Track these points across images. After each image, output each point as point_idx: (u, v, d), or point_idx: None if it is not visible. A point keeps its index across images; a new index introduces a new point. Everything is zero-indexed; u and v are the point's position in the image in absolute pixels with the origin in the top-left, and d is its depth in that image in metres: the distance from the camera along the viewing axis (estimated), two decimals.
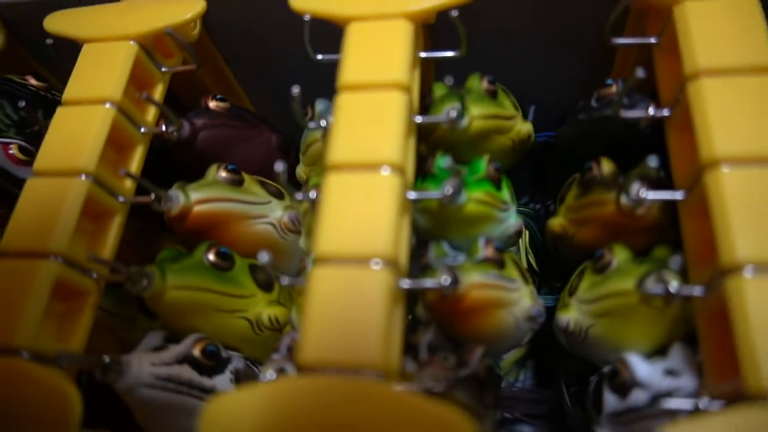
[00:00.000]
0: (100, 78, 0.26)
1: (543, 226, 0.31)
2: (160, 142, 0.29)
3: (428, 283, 0.21)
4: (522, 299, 0.24)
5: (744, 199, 0.18)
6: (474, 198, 0.25)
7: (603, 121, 0.26)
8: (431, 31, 0.28)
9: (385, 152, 0.21)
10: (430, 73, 0.31)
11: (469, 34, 0.24)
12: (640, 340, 0.23)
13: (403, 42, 0.23)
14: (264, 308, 0.27)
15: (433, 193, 0.24)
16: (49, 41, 0.28)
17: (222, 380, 0.25)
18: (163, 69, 0.29)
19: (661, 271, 0.20)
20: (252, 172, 0.30)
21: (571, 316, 0.25)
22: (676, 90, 0.22)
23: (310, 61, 0.26)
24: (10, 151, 0.30)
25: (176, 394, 0.23)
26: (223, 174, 0.28)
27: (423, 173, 0.27)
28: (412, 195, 0.22)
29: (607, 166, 0.25)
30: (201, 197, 0.27)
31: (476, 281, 0.22)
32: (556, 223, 0.28)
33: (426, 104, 0.27)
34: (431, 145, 0.27)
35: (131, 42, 0.27)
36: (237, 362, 0.25)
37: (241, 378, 0.25)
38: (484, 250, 0.24)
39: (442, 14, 0.25)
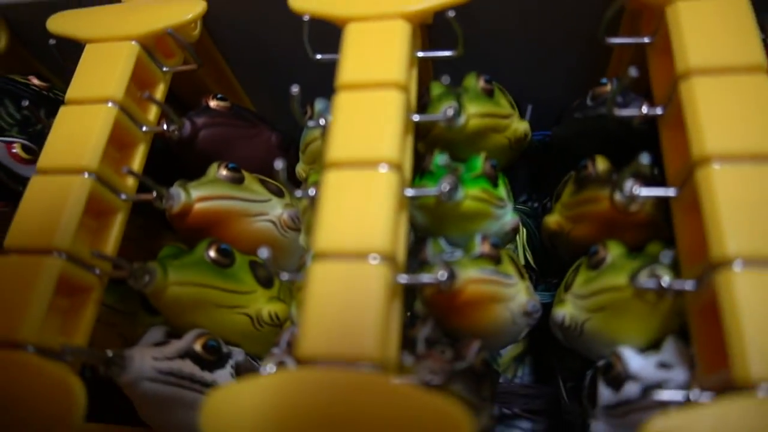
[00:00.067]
0: (102, 78, 0.26)
1: (540, 224, 0.31)
2: (162, 141, 0.30)
3: (425, 278, 0.22)
4: (518, 295, 0.25)
5: (734, 195, 0.19)
6: (471, 195, 0.25)
7: (597, 120, 0.26)
8: (429, 31, 0.29)
9: (383, 150, 0.21)
10: (427, 72, 0.31)
11: (466, 34, 0.25)
12: (634, 334, 0.23)
13: (401, 42, 0.24)
14: (264, 304, 0.27)
15: (431, 189, 0.24)
16: (52, 42, 0.28)
17: (223, 375, 0.25)
18: (165, 69, 0.29)
19: (654, 266, 0.21)
20: (252, 171, 0.30)
21: (566, 311, 0.25)
22: (669, 89, 0.22)
23: (310, 61, 0.26)
24: (13, 150, 0.30)
25: (178, 388, 0.23)
26: (224, 172, 0.29)
27: (421, 171, 0.27)
28: (409, 192, 0.22)
29: (601, 164, 0.25)
30: (202, 195, 0.27)
31: (473, 276, 0.22)
32: (552, 220, 0.28)
33: (424, 103, 0.28)
34: (429, 143, 0.28)
35: (133, 42, 0.27)
36: (237, 357, 0.26)
37: (241, 372, 0.25)
38: (480, 247, 0.24)
39: (439, 14, 0.25)
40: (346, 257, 0.19)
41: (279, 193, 0.30)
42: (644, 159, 0.19)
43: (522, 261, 0.34)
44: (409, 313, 0.25)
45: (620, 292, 0.22)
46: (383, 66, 0.23)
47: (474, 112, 0.27)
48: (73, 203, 0.23)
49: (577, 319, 0.25)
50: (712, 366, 0.18)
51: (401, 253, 0.21)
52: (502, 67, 0.33)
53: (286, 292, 0.29)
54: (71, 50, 0.28)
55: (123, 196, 0.26)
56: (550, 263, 0.33)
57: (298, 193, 0.24)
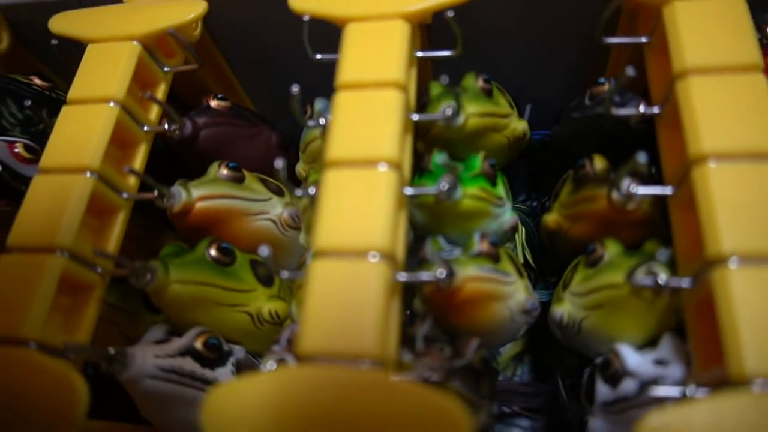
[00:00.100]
0: (104, 77, 0.26)
1: (539, 223, 0.31)
2: (163, 140, 0.30)
3: (424, 276, 0.22)
4: (517, 293, 0.25)
5: (730, 193, 0.19)
6: (469, 194, 0.25)
7: (595, 119, 0.26)
8: (428, 31, 0.29)
9: (382, 149, 0.21)
10: (426, 72, 0.31)
11: (466, 34, 0.25)
12: (631, 332, 0.23)
13: (400, 42, 0.24)
14: (264, 302, 0.27)
15: (430, 188, 0.24)
16: (54, 42, 0.28)
17: (224, 372, 0.25)
18: (166, 69, 0.29)
19: (651, 263, 0.21)
20: (252, 170, 0.31)
21: (564, 309, 0.25)
22: (666, 88, 0.22)
23: (309, 61, 0.26)
24: (16, 150, 0.30)
25: (179, 385, 0.24)
26: (225, 171, 0.29)
27: (420, 170, 0.27)
28: (408, 190, 0.22)
29: (599, 163, 0.26)
30: (203, 194, 0.27)
31: (471, 274, 0.23)
32: (551, 218, 0.29)
33: (423, 102, 0.28)
34: (428, 142, 0.28)
35: (134, 42, 0.27)
36: (238, 354, 0.26)
37: (242, 369, 0.26)
38: (479, 245, 0.25)
39: (438, 14, 0.25)
40: (346, 255, 0.20)
41: (279, 192, 0.31)
42: (641, 158, 0.20)
43: (521, 260, 0.34)
44: (408, 311, 0.26)
45: (617, 290, 0.22)
46: (383, 66, 0.23)
47: (473, 112, 0.27)
48: (75, 202, 0.23)
49: (575, 317, 0.25)
50: (708, 362, 0.18)
51: (400, 251, 0.21)
52: (502, 67, 0.33)
53: (287, 290, 0.30)
54: (73, 50, 0.28)
55: (124, 195, 0.26)
56: (549, 262, 0.33)
57: (298, 192, 0.24)
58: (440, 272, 0.22)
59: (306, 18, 0.26)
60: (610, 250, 0.24)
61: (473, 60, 0.28)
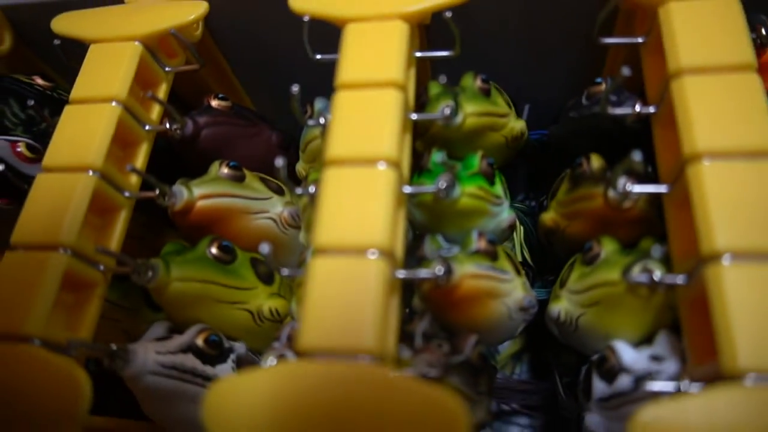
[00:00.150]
0: (106, 77, 0.27)
1: (537, 222, 0.31)
2: (164, 140, 0.30)
3: (423, 273, 0.22)
4: (514, 290, 0.25)
5: (724, 191, 0.19)
6: (467, 192, 0.26)
7: (592, 118, 0.27)
8: (427, 31, 0.29)
9: (381, 148, 0.22)
10: (425, 72, 0.32)
11: (464, 34, 0.25)
12: (627, 329, 0.24)
13: (399, 42, 0.24)
14: (265, 300, 0.28)
15: (428, 187, 0.24)
16: (56, 42, 0.29)
17: (224, 369, 0.25)
18: (167, 69, 0.30)
19: (646, 260, 0.21)
20: (253, 169, 0.31)
21: (561, 306, 0.25)
22: (662, 88, 0.23)
23: (309, 61, 0.26)
24: (18, 149, 0.31)
25: (180, 381, 0.24)
26: (225, 170, 0.29)
27: (419, 169, 0.27)
28: (407, 189, 0.23)
29: (596, 162, 0.26)
30: (204, 193, 0.27)
31: (469, 272, 0.23)
32: (548, 217, 0.29)
33: (422, 102, 0.28)
34: (427, 141, 0.28)
35: (136, 42, 0.28)
36: (239, 350, 0.26)
37: (242, 365, 0.26)
38: (477, 243, 0.25)
39: (436, 15, 0.25)
40: (346, 252, 0.20)
41: (279, 191, 0.31)
42: (636, 156, 0.20)
43: (519, 258, 0.34)
44: (407, 309, 0.26)
45: (614, 287, 0.22)
46: (382, 66, 0.23)
47: (471, 111, 0.27)
48: (77, 200, 0.24)
49: (572, 314, 0.25)
50: (702, 357, 0.19)
51: (399, 249, 0.21)
52: (500, 67, 0.33)
53: (287, 288, 0.30)
54: (75, 50, 0.29)
55: (126, 194, 0.26)
56: (547, 261, 0.34)
57: (299, 190, 0.24)
58: (438, 269, 0.22)
59: (306, 18, 0.26)
60: (607, 247, 0.24)
61: (471, 60, 0.28)
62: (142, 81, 0.28)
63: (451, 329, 0.25)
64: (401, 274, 0.21)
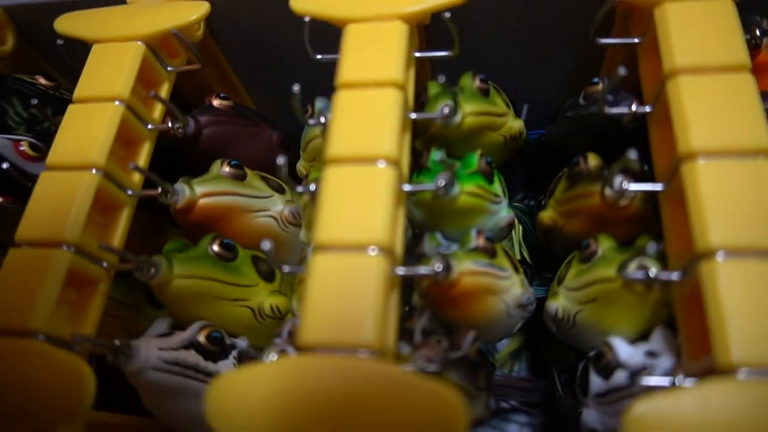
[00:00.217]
0: (109, 77, 0.27)
1: (536, 221, 0.32)
2: (167, 139, 0.30)
3: (422, 269, 0.22)
4: (513, 287, 0.25)
5: (718, 189, 0.19)
6: (466, 190, 0.26)
7: (589, 118, 0.27)
8: (426, 31, 0.29)
9: (381, 146, 0.22)
10: (424, 72, 0.32)
11: (463, 34, 0.25)
12: (624, 325, 0.24)
13: (399, 42, 0.24)
14: (266, 297, 0.28)
15: (427, 185, 0.25)
16: (59, 42, 0.29)
17: (226, 365, 0.26)
18: (169, 68, 0.30)
19: (642, 257, 0.22)
20: (254, 168, 0.31)
21: (559, 303, 0.26)
22: (657, 87, 0.23)
23: (310, 61, 0.27)
24: (21, 148, 0.31)
25: (182, 377, 0.24)
26: (227, 169, 0.29)
27: (418, 168, 0.28)
28: (407, 187, 0.23)
29: (593, 161, 0.26)
30: (206, 191, 0.28)
31: (468, 268, 0.23)
32: (546, 215, 0.29)
33: (421, 102, 0.28)
34: (426, 140, 0.28)
35: (139, 42, 0.28)
36: (240, 345, 0.26)
37: (244, 360, 0.26)
38: (476, 240, 0.25)
39: (436, 15, 0.26)
40: (346, 249, 0.20)
41: (280, 190, 0.31)
42: (631, 154, 0.20)
43: (518, 257, 0.34)
44: (407, 307, 0.26)
45: (610, 284, 0.23)
46: (382, 66, 0.24)
47: (470, 111, 0.27)
48: (81, 198, 0.24)
49: (569, 310, 0.25)
50: (697, 353, 0.19)
51: (399, 246, 0.22)
52: (498, 67, 0.34)
53: (287, 286, 0.30)
54: (78, 50, 0.29)
55: (129, 192, 0.26)
56: (545, 259, 0.34)
57: (299, 189, 0.24)
58: (438, 266, 0.22)
59: (307, 19, 0.26)
60: (604, 245, 0.24)
61: (470, 60, 0.29)
62: (144, 80, 0.28)
63: (449, 326, 0.25)
64: (401, 270, 0.21)
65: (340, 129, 0.23)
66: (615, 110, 0.24)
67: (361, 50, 0.24)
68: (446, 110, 0.26)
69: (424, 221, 0.28)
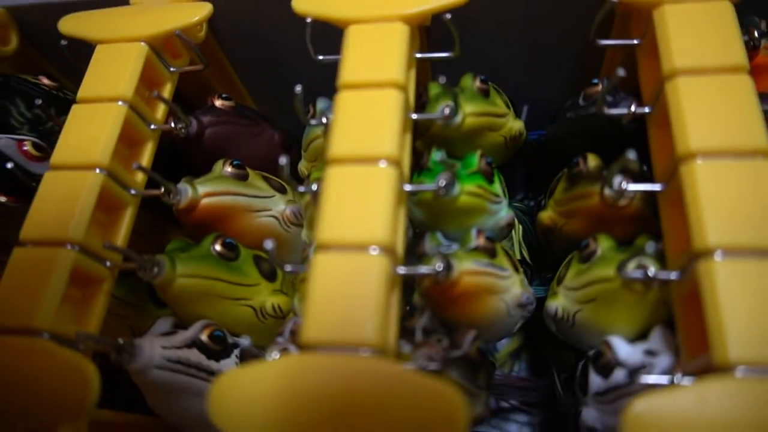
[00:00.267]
0: (112, 77, 0.27)
1: (535, 221, 0.32)
2: (169, 139, 0.30)
3: (423, 269, 0.22)
4: (513, 287, 0.26)
5: (716, 189, 0.19)
6: (467, 190, 0.26)
7: (589, 119, 0.27)
8: (427, 32, 0.30)
9: (382, 147, 0.22)
10: (425, 72, 0.32)
11: (464, 35, 0.25)
12: (623, 324, 0.24)
13: (400, 43, 0.25)
14: (268, 297, 0.28)
15: (428, 185, 0.25)
16: (63, 42, 0.29)
17: (228, 364, 0.26)
18: (172, 69, 0.30)
19: (640, 257, 0.22)
20: (256, 168, 0.31)
21: (559, 302, 0.26)
22: (656, 88, 0.23)
23: (312, 62, 0.27)
24: (24, 148, 0.31)
25: (185, 376, 0.24)
26: (229, 169, 0.29)
27: (419, 168, 0.28)
28: (408, 187, 0.23)
29: (592, 161, 0.26)
30: (208, 190, 0.28)
31: (468, 268, 0.23)
32: (546, 215, 0.29)
33: (422, 102, 0.28)
34: (427, 141, 0.29)
35: (142, 43, 0.28)
36: (243, 343, 0.27)
37: (246, 358, 0.26)
38: (476, 240, 0.25)
39: (436, 17, 0.26)
40: (348, 248, 0.20)
41: (282, 190, 0.31)
42: (630, 155, 0.20)
43: (518, 257, 0.35)
44: (407, 307, 0.26)
45: (609, 283, 0.23)
46: (383, 66, 0.24)
47: (470, 111, 0.28)
48: (85, 198, 0.24)
49: (569, 310, 0.26)
50: (695, 351, 0.19)
51: (400, 246, 0.22)
52: (499, 68, 0.34)
53: (289, 285, 0.30)
54: (82, 51, 0.29)
55: (132, 192, 0.26)
56: (545, 259, 0.34)
57: (301, 188, 0.24)
58: (438, 266, 0.22)
59: (308, 20, 0.26)
60: (603, 245, 0.25)
61: (471, 61, 0.29)
62: (147, 81, 0.29)
63: (450, 325, 0.25)
64: (402, 270, 0.21)
65: (342, 129, 0.23)
66: (614, 111, 0.24)
67: (363, 51, 0.25)
68: (447, 111, 0.26)
69: (425, 221, 0.28)
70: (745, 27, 0.24)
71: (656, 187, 0.22)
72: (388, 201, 0.21)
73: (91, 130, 0.26)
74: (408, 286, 0.26)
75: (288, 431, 0.18)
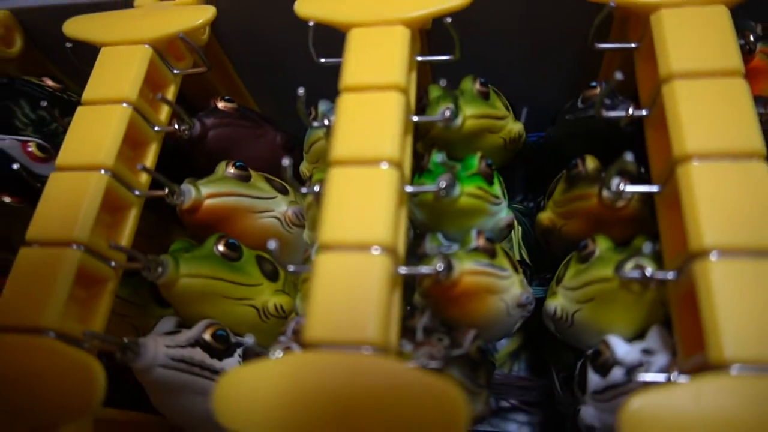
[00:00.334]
0: (117, 79, 0.27)
1: (535, 222, 0.32)
2: (173, 140, 0.31)
3: (424, 269, 0.23)
4: (512, 287, 0.26)
5: (712, 190, 0.20)
6: (467, 192, 0.26)
7: (587, 121, 0.28)
8: (427, 36, 0.30)
9: (384, 148, 0.22)
10: (426, 75, 0.32)
11: (464, 38, 0.26)
12: (621, 324, 0.24)
13: (401, 46, 0.25)
14: (270, 297, 0.29)
15: (429, 186, 0.25)
16: (68, 45, 0.29)
17: (231, 363, 0.26)
18: (175, 71, 0.30)
19: (638, 257, 0.22)
20: (258, 169, 0.31)
21: (557, 302, 0.26)
22: (653, 91, 0.23)
23: (314, 65, 0.27)
24: (29, 149, 0.31)
25: (189, 374, 0.24)
26: (232, 170, 0.30)
27: (420, 169, 0.28)
28: (409, 188, 0.23)
29: (591, 163, 0.27)
30: (211, 191, 0.28)
31: (468, 268, 0.24)
32: (545, 216, 0.30)
33: (422, 105, 0.29)
34: (427, 143, 0.29)
35: (146, 46, 0.28)
36: (246, 344, 0.27)
37: (249, 357, 0.27)
38: (476, 241, 0.26)
39: (437, 20, 0.26)
40: (350, 248, 0.20)
41: (284, 191, 0.32)
42: (628, 157, 0.21)
43: (518, 257, 0.35)
44: (408, 306, 0.27)
45: (607, 283, 0.23)
46: (384, 69, 0.24)
47: (470, 114, 0.28)
48: (90, 198, 0.24)
49: (567, 310, 0.26)
50: (691, 350, 0.20)
51: (401, 246, 0.22)
52: (499, 71, 0.34)
53: (291, 285, 0.31)
54: (86, 53, 0.29)
55: (137, 193, 0.27)
56: (544, 260, 0.34)
57: (304, 190, 0.25)
58: (439, 266, 0.23)
59: (311, 23, 0.27)
60: (601, 245, 0.25)
61: (471, 64, 0.29)
62: (151, 83, 0.29)
63: (450, 324, 0.25)
64: (403, 270, 0.21)
65: (344, 131, 0.23)
66: (612, 114, 0.25)
67: (364, 54, 0.25)
68: (447, 113, 0.27)
69: (426, 222, 0.29)
70: (741, 31, 0.24)
71: (653, 188, 0.23)
72: (389, 202, 0.21)
73: (95, 132, 0.26)
74: (409, 286, 0.26)
75: (292, 428, 0.18)
